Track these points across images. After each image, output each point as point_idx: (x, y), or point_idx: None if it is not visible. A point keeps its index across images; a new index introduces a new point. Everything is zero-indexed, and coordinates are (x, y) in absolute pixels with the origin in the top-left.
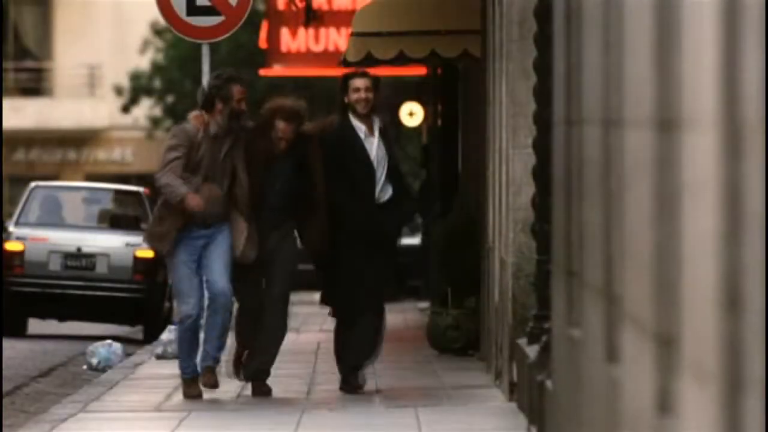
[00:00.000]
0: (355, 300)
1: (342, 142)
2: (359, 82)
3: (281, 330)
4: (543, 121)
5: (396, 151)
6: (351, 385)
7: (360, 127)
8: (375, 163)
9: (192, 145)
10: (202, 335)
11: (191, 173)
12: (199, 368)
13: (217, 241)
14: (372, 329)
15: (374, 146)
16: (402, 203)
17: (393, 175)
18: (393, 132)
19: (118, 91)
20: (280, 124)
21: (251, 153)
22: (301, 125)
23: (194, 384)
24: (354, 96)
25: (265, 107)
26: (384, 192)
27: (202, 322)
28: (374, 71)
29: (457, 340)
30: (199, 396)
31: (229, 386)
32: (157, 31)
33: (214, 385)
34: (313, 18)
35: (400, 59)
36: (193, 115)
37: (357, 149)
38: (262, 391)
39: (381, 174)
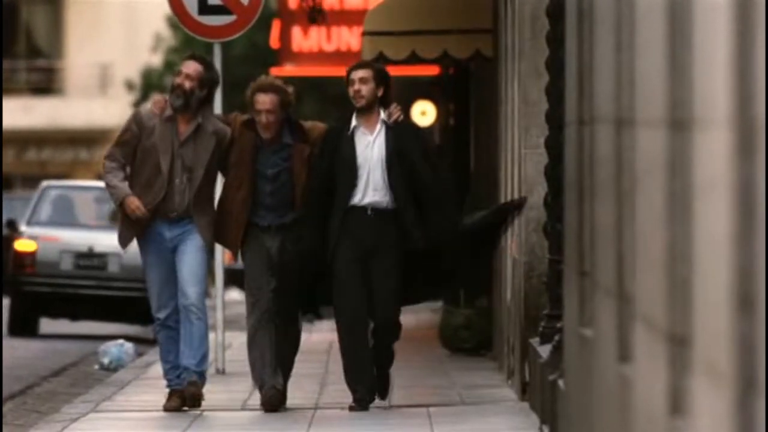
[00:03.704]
0: (347, 306)
1: (328, 142)
2: (354, 74)
3: (296, 338)
4: (555, 120)
5: (415, 146)
6: (365, 402)
7: (356, 124)
8: (362, 164)
9: (143, 130)
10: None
11: (143, 160)
12: (180, 381)
13: (186, 248)
14: (382, 354)
15: (370, 144)
16: (433, 212)
17: (405, 176)
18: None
19: (129, 86)
20: (258, 97)
21: (241, 147)
22: (285, 103)
23: (172, 396)
24: (350, 90)
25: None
26: (378, 198)
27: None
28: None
29: (469, 339)
30: (177, 409)
31: (240, 387)
32: (173, 25)
33: (197, 402)
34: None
35: (413, 59)
36: (154, 99)
37: (342, 149)
38: (275, 403)
39: (376, 176)
